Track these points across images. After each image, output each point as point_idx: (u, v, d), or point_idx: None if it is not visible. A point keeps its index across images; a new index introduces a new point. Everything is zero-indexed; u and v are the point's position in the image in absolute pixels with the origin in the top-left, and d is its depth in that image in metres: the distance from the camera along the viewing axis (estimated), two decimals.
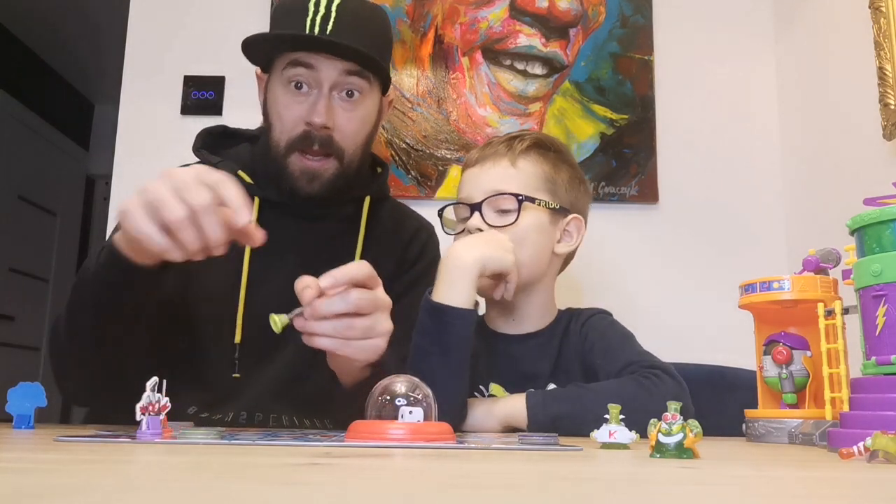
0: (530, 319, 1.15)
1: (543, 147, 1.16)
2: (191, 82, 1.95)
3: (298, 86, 1.07)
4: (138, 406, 0.68)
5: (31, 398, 0.83)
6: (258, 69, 1.17)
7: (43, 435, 0.75)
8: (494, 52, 1.95)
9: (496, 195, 1.10)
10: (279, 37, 1.08)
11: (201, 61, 1.95)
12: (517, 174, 1.12)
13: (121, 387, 1.00)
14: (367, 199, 1.17)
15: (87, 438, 0.68)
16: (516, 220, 1.08)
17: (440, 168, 1.91)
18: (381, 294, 0.87)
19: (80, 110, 4.44)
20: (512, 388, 1.09)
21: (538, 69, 1.95)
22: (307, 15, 1.04)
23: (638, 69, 1.95)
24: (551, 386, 1.09)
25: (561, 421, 0.94)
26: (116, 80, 1.98)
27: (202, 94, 1.94)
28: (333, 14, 1.04)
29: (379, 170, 1.26)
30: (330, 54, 1.05)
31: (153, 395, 0.68)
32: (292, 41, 1.06)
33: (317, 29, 1.03)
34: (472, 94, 1.94)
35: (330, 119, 1.06)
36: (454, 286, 1.00)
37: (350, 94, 1.08)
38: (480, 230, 1.09)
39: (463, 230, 1.12)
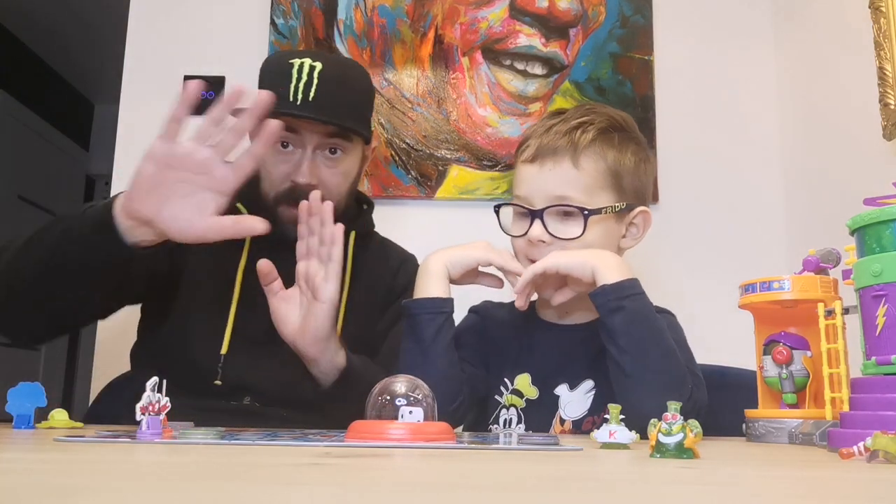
0: (581, 312, 1.11)
1: (608, 133, 1.08)
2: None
3: (284, 144, 1.13)
4: (138, 406, 0.68)
5: (31, 398, 0.83)
6: None
7: (43, 435, 0.75)
8: (494, 52, 1.95)
9: (559, 205, 1.04)
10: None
11: (201, 61, 1.95)
12: (580, 177, 1.05)
13: (47, 325, 1.09)
14: (353, 235, 1.22)
15: (87, 438, 0.68)
16: (582, 233, 1.03)
17: (440, 168, 1.90)
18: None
19: (80, 110, 4.44)
20: (545, 380, 1.07)
21: (538, 69, 1.94)
22: (291, 81, 1.10)
23: (638, 69, 1.95)
24: (589, 382, 1.06)
25: (625, 312, 0.97)
26: (116, 80, 1.98)
27: (202, 94, 1.93)
28: (315, 81, 1.10)
29: (365, 207, 1.31)
30: (311, 121, 1.11)
31: (153, 395, 0.68)
32: (277, 113, 1.13)
33: (300, 96, 1.09)
34: (472, 94, 1.94)
35: (314, 177, 1.13)
36: (423, 288, 1.05)
37: (333, 151, 1.15)
38: (543, 241, 1.04)
39: (524, 234, 1.06)
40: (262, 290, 1.13)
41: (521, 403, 1.07)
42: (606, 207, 1.06)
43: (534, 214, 1.05)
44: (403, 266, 1.28)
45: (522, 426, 1.07)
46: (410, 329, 1.03)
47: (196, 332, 1.14)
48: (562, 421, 1.06)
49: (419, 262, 1.25)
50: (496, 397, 1.09)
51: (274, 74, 1.14)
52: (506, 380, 1.09)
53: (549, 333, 1.11)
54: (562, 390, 1.07)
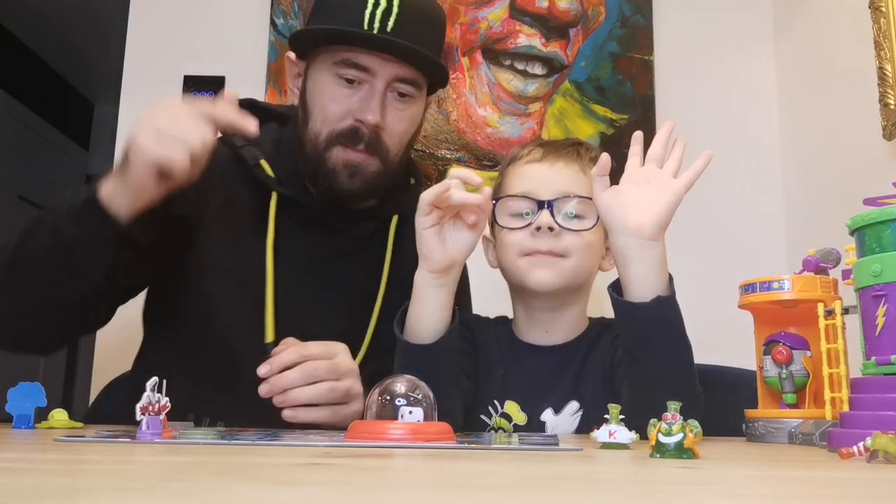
0: (562, 331, 1.11)
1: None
2: (191, 82, 1.95)
3: (349, 80, 1.00)
4: (138, 406, 0.68)
5: (31, 398, 0.83)
6: (292, 53, 1.07)
7: (43, 435, 0.75)
8: (494, 52, 1.95)
9: (572, 196, 1.06)
10: (338, 34, 0.98)
11: (201, 61, 1.95)
12: (587, 181, 1.06)
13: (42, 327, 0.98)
14: (395, 219, 1.11)
15: (87, 438, 0.68)
16: (594, 225, 1.05)
17: (440, 168, 1.90)
18: (341, 361, 0.89)
19: (80, 110, 4.44)
20: (530, 402, 1.06)
21: (538, 69, 1.94)
22: (365, 7, 0.95)
23: (638, 69, 1.95)
24: (574, 403, 1.06)
25: (659, 312, 0.94)
26: (116, 80, 1.98)
27: (202, 94, 1.93)
28: (395, 8, 0.95)
29: (412, 181, 1.17)
30: (392, 56, 0.98)
31: (153, 395, 0.68)
32: (352, 39, 0.97)
33: (377, 24, 0.95)
34: (472, 94, 1.94)
35: (383, 118, 1.00)
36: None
37: (402, 94, 1.02)
38: (551, 229, 1.04)
39: (527, 225, 1.06)
40: (299, 277, 1.04)
41: (508, 427, 1.06)
42: None
43: (542, 204, 1.06)
44: None
45: None
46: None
47: (231, 326, 1.02)
48: None
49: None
50: (482, 416, 1.07)
51: None
52: (495, 401, 1.08)
53: (534, 356, 1.11)
54: (547, 415, 1.06)
